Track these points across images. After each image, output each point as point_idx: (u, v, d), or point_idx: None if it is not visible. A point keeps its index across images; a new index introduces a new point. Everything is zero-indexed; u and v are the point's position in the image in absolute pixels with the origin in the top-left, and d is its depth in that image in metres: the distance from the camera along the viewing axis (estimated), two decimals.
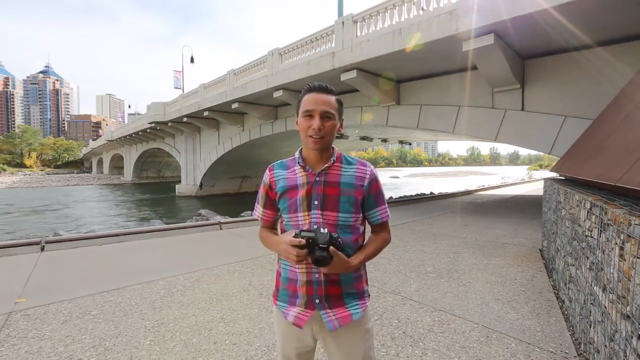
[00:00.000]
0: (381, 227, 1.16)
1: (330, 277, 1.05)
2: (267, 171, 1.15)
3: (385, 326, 2.52)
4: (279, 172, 1.12)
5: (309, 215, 1.06)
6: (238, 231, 6.25)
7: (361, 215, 1.11)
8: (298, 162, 1.10)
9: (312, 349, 1.15)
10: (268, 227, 1.20)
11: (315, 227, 1.02)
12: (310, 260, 0.97)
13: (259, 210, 1.18)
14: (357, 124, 12.53)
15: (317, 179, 1.06)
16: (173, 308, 2.83)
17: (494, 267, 4.04)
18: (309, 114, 1.03)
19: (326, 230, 0.97)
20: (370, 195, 1.11)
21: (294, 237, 0.97)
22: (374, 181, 1.11)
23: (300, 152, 1.13)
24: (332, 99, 1.06)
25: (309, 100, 1.04)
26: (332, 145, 1.11)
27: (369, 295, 1.15)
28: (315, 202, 1.05)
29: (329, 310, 1.05)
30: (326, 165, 1.08)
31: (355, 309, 1.08)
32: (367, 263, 1.13)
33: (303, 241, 0.96)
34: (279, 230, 1.19)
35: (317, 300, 1.05)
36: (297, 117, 1.10)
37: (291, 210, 1.08)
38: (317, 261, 0.95)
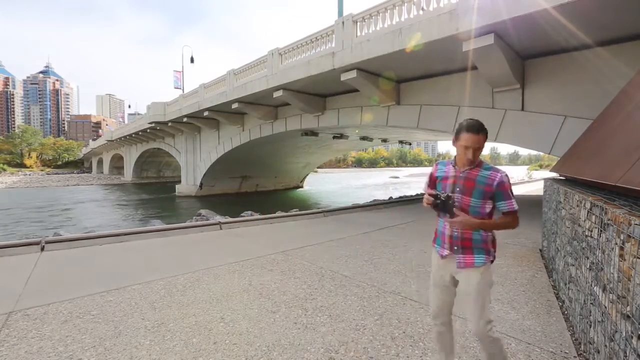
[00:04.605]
0: (507, 214, 1.67)
1: (464, 235, 1.66)
2: (434, 165, 1.81)
3: (385, 326, 2.52)
4: (440, 167, 1.77)
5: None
6: (238, 231, 6.25)
7: (487, 203, 1.63)
8: (452, 164, 1.72)
9: (450, 285, 1.75)
10: None
11: (444, 193, 1.64)
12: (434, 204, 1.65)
13: (425, 186, 1.83)
14: (357, 124, 12.53)
15: (460, 174, 1.67)
16: (173, 308, 2.83)
17: (493, 267, 4.03)
18: (466, 147, 1.60)
19: (446, 194, 1.63)
20: (498, 192, 1.62)
21: (432, 194, 1.66)
22: (502, 183, 1.61)
23: (454, 157, 1.72)
24: (482, 138, 1.58)
25: (467, 139, 1.59)
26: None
27: (494, 257, 1.71)
28: (457, 189, 1.66)
29: (461, 256, 1.67)
30: (468, 167, 1.65)
31: (480, 259, 1.65)
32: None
33: (434, 193, 1.66)
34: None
35: (455, 247, 1.68)
36: (454, 138, 1.66)
37: (442, 191, 1.69)
38: (435, 205, 1.64)
